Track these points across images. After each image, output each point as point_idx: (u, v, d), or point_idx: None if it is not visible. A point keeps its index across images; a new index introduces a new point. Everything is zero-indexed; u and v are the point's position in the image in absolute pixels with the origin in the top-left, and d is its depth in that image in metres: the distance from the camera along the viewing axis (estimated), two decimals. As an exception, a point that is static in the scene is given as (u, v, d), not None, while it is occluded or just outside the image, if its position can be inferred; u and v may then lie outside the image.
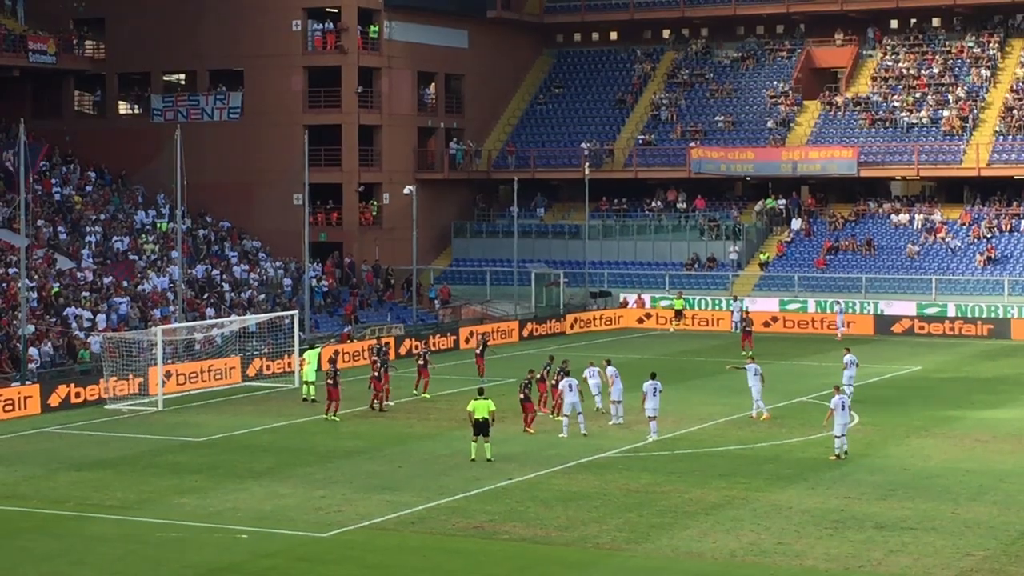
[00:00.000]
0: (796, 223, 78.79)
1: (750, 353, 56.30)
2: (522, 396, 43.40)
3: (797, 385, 52.83)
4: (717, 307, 73.63)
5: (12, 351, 52.37)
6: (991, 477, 36.54)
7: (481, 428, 38.46)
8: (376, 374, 48.44)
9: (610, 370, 45.58)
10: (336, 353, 51.57)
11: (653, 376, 42.78)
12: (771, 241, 78.67)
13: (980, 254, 72.73)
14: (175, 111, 77.57)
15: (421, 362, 51.71)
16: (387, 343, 57.94)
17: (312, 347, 53.38)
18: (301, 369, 52.03)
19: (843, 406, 38.87)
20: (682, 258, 78.11)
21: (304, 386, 50.91)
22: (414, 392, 51.03)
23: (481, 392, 39.61)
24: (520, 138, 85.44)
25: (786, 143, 79.89)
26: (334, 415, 46.36)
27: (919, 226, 76.09)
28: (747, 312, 67.84)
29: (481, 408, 38.46)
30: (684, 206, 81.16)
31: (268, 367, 56.21)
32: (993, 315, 68.86)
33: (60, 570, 28.90)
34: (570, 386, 42.97)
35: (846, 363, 49.63)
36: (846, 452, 38.97)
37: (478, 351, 55.74)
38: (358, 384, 51.31)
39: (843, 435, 38.97)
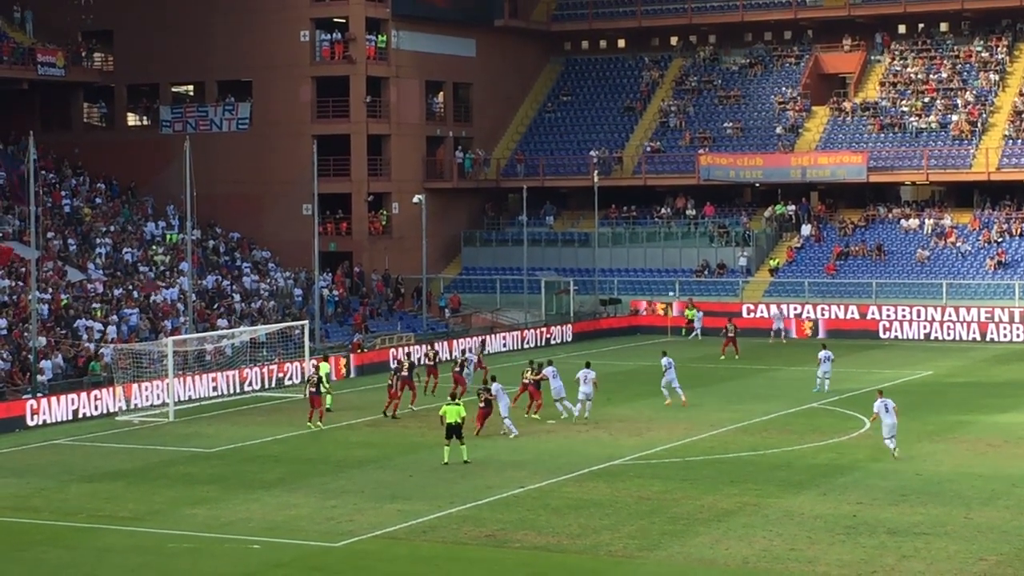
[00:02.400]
0: (806, 229, 78.73)
1: (721, 357, 62.69)
2: (483, 404, 43.95)
3: (806, 392, 52.73)
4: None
5: (23, 363, 52.44)
6: (1003, 482, 36.48)
7: (453, 431, 39.49)
8: (391, 382, 48.72)
9: (548, 370, 47.32)
10: (317, 364, 51.61)
11: (587, 365, 47.41)
12: (781, 247, 78.61)
13: (990, 258, 72.64)
14: (184, 122, 77.69)
15: (457, 369, 51.70)
16: (406, 351, 57.02)
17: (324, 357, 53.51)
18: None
19: (887, 408, 39.08)
20: (692, 265, 78.05)
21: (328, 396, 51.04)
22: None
23: (454, 397, 41.09)
24: (529, 146, 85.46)
25: (795, 149, 79.85)
26: (318, 422, 46.80)
27: (929, 231, 76.01)
28: (724, 318, 68.31)
29: (452, 413, 39.63)
30: (693, 213, 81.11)
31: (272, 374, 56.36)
32: (1003, 318, 68.87)
33: (72, 582, 29.00)
34: (554, 374, 47.01)
35: (821, 359, 52.26)
36: (895, 454, 39.19)
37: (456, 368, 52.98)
38: (374, 393, 51.33)
39: (891, 436, 39.16)
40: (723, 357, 63.03)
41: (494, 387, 44.39)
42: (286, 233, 74.22)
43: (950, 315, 69.78)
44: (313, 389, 47.18)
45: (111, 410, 50.28)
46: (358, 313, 70.28)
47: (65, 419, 48.93)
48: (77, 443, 45.39)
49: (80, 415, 49.53)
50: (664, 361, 50.07)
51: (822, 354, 52.59)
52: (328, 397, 49.96)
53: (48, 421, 48.49)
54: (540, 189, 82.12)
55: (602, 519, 32.95)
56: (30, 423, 48.06)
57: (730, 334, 64.38)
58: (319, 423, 46.77)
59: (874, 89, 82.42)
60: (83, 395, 50.21)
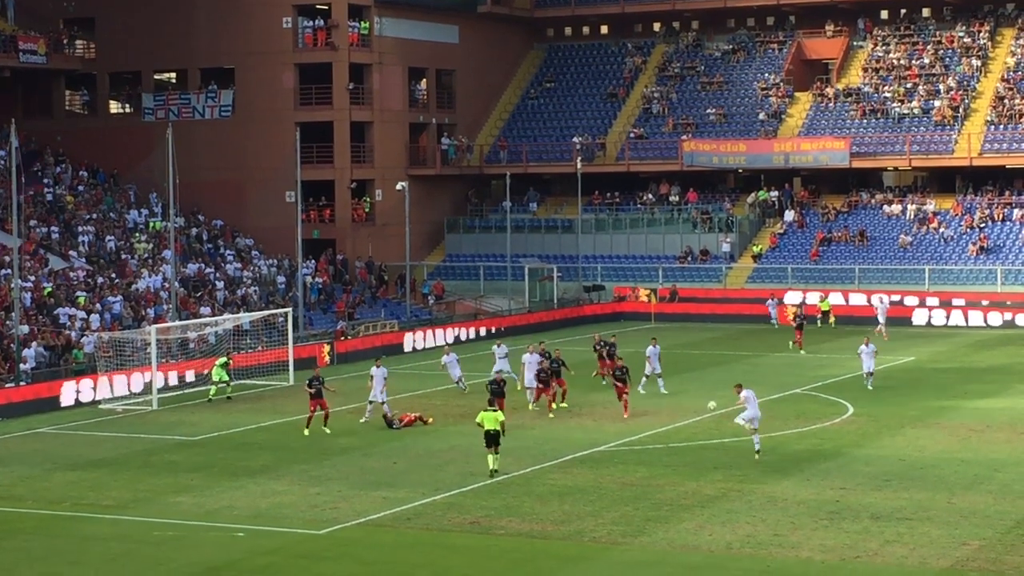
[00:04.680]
0: (789, 215, 78.83)
1: (801, 352, 60.31)
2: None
3: (789, 378, 52.86)
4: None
5: (6, 351, 52.30)
6: (986, 467, 36.61)
7: (492, 440, 36.18)
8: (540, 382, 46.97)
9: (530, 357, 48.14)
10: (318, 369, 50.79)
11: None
12: (764, 233, 78.71)
13: (973, 244, 72.81)
14: (166, 110, 77.50)
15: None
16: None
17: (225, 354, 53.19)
18: (210, 370, 51.70)
19: (753, 399, 38.05)
20: (675, 251, 78.11)
21: (213, 387, 51.05)
22: (562, 406, 47.65)
23: (491, 404, 37.26)
24: (512, 133, 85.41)
25: (778, 135, 79.91)
26: (315, 426, 43.42)
27: (911, 216, 76.15)
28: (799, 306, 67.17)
29: (490, 420, 36.20)
30: (677, 199, 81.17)
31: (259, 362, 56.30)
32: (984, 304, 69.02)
33: (56, 570, 28.89)
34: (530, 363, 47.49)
35: (863, 354, 50.20)
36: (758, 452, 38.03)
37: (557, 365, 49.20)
38: (358, 380, 51.25)
39: (750, 426, 37.99)
40: (803, 351, 60.33)
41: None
42: (269, 220, 74.14)
43: (932, 300, 69.94)
44: (312, 390, 43.16)
45: (95, 398, 50.19)
46: (341, 300, 70.24)
47: (48, 407, 48.83)
48: (60, 431, 45.34)
49: (63, 403, 49.44)
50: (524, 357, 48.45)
51: (865, 349, 50.06)
52: (212, 388, 50.54)
53: (31, 409, 48.38)
54: (523, 176, 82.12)
55: (586, 505, 33.01)
56: (13, 411, 47.96)
57: (802, 322, 62.06)
58: (324, 427, 43.07)
59: (856, 75, 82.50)
60: (66, 383, 50.11)
